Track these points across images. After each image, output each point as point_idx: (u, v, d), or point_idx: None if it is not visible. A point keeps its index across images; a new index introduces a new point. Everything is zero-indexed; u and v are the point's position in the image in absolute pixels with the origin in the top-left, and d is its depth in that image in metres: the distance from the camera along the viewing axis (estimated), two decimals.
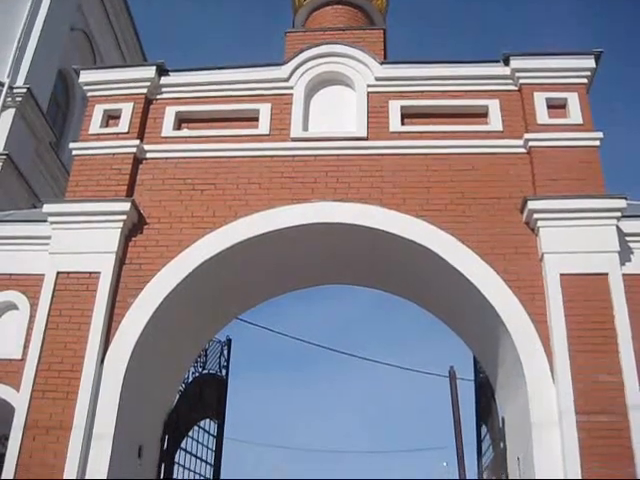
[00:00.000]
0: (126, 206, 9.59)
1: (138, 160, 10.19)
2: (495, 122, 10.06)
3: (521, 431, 8.82)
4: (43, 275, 9.46)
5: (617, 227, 9.04)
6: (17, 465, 8.41)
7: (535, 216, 9.12)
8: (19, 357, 9.10)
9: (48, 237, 9.67)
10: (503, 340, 9.00)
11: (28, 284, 9.56)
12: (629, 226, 9.17)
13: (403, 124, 10.19)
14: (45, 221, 9.76)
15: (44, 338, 9.04)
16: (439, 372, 19.75)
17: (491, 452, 10.70)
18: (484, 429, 11.39)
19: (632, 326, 8.55)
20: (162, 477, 10.32)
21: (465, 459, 17.44)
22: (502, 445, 9.85)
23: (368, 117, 10.19)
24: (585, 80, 10.18)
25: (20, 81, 16.10)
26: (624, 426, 8.08)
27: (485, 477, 11.63)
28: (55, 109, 18.69)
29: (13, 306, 9.50)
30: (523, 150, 9.77)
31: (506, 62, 10.31)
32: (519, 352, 8.61)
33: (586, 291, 8.74)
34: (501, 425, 9.92)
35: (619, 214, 9.07)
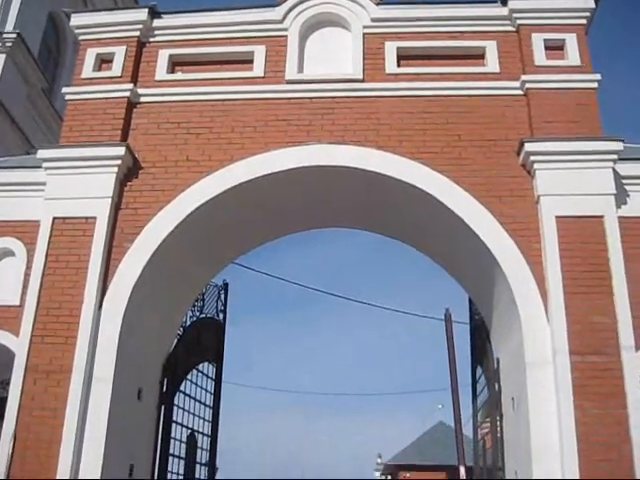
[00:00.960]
0: (121, 150, 9.54)
1: (132, 104, 10.09)
2: (492, 64, 9.95)
3: (515, 371, 8.95)
4: (39, 221, 9.46)
5: (613, 170, 9.02)
6: (19, 408, 8.54)
7: (531, 158, 9.09)
8: (17, 303, 9.16)
9: (43, 183, 9.64)
10: (498, 282, 9.07)
11: (24, 230, 9.57)
12: (626, 169, 9.16)
13: (399, 66, 10.07)
14: (40, 167, 9.71)
15: (42, 284, 9.09)
16: (435, 315, 19.86)
17: (486, 393, 10.86)
18: (479, 370, 11.55)
19: (627, 268, 8.62)
20: (162, 419, 10.48)
21: (461, 401, 17.72)
22: (497, 386, 10.00)
23: (364, 59, 10.07)
24: (584, 21, 10.05)
25: (9, 26, 15.88)
26: (617, 367, 8.21)
27: (480, 417, 11.83)
28: (46, 54, 18.46)
29: (10, 252, 9.52)
30: (520, 92, 9.69)
31: (504, 3, 10.15)
32: (514, 293, 8.69)
33: (581, 233, 8.78)
34: (496, 366, 10.06)
35: (615, 157, 9.05)
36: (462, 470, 17.01)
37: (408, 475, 35.80)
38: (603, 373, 8.19)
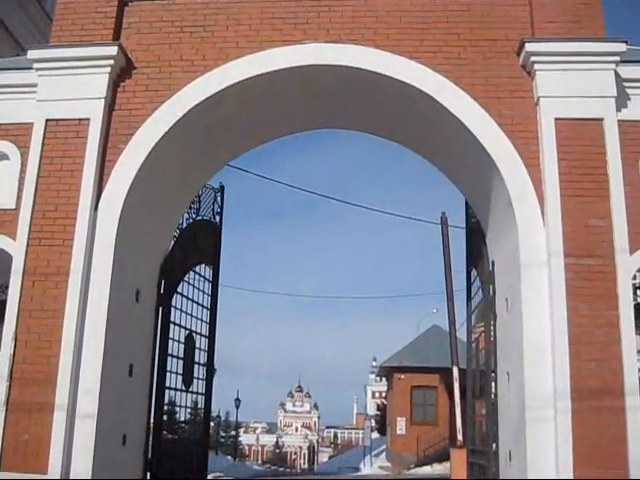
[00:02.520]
0: (113, 50, 9.34)
1: (123, 2, 9.79)
2: None
3: (510, 273, 9.05)
4: (32, 124, 9.34)
5: (615, 72, 8.86)
6: (19, 310, 8.66)
7: (532, 59, 8.93)
8: (13, 206, 9.14)
9: (35, 85, 9.47)
10: (495, 184, 9.06)
11: (17, 133, 9.46)
12: (628, 71, 8.99)
13: None
14: (31, 68, 9.52)
15: (37, 186, 9.07)
16: (432, 220, 19.96)
17: (480, 295, 11.02)
18: (474, 273, 11.68)
19: (624, 172, 8.60)
20: (160, 320, 10.65)
21: (455, 305, 18.03)
22: (491, 287, 10.14)
23: None
24: None
25: None
26: (610, 269, 8.30)
27: (474, 320, 12.04)
28: None
29: (4, 156, 9.43)
30: None
31: None
32: (511, 195, 8.70)
33: (580, 136, 8.72)
34: (491, 268, 10.17)
35: (618, 58, 8.88)
36: (455, 371, 17.42)
37: (402, 377, 36.56)
38: (597, 275, 8.29)
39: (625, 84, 8.98)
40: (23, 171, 9.23)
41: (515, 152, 8.79)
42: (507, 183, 8.73)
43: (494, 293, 10.06)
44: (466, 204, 11.85)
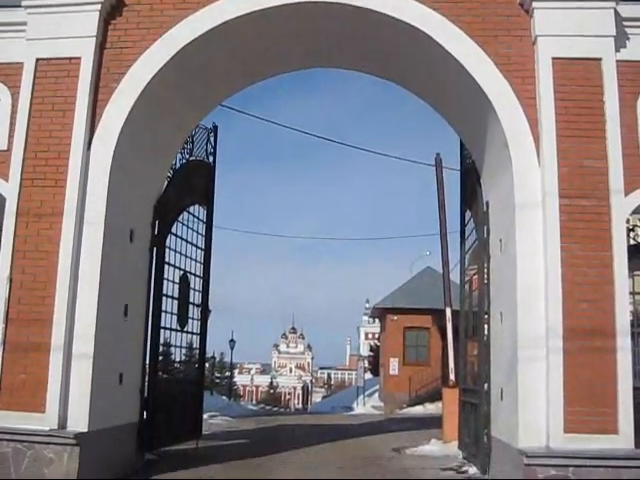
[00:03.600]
0: None
1: None
2: None
3: (504, 214, 9.08)
4: (22, 63, 9.22)
5: (615, 10, 8.73)
6: (13, 251, 8.68)
7: None
8: (5, 148, 9.07)
9: (24, 23, 9.30)
10: (491, 124, 9.02)
11: (7, 73, 9.33)
12: (628, 10, 8.84)
13: None
14: (20, 6, 9.32)
15: (28, 127, 9.00)
16: (428, 162, 19.83)
17: (474, 236, 11.07)
18: (468, 215, 11.71)
19: (621, 113, 8.55)
20: (155, 261, 10.69)
21: (449, 247, 18.06)
22: (485, 228, 10.17)
23: None
24: None
25: None
26: (605, 210, 8.33)
27: (467, 261, 12.12)
28: None
29: None
30: None
31: None
32: (506, 136, 8.67)
33: (578, 76, 8.64)
34: (485, 209, 10.19)
35: None
36: (448, 311, 17.52)
37: (395, 318, 36.80)
38: (591, 216, 8.33)
39: (625, 23, 8.84)
40: (14, 112, 9.14)
41: (511, 92, 8.73)
42: (503, 123, 8.69)
43: (488, 234, 10.10)
44: (461, 145, 11.81)
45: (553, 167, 8.40)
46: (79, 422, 8.39)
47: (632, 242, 10.04)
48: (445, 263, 18.07)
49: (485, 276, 10.27)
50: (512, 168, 8.63)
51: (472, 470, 10.17)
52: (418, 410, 31.26)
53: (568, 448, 7.78)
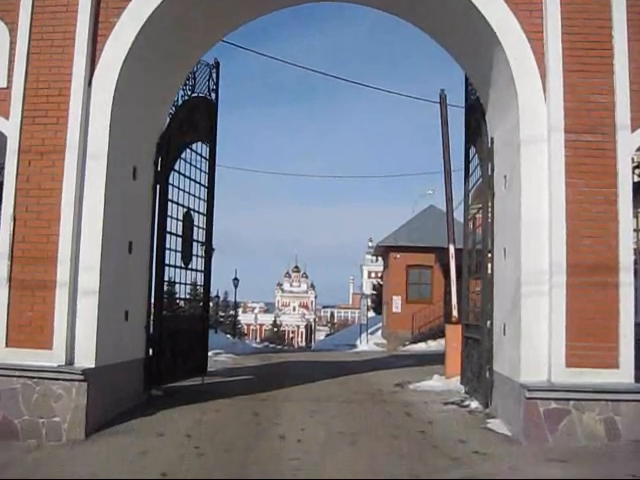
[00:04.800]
0: None
1: None
2: None
3: (509, 150, 9.03)
4: None
5: None
6: (16, 190, 8.67)
7: None
8: (4, 85, 8.95)
9: None
10: (497, 58, 8.89)
11: (4, 9, 9.12)
12: None
13: None
14: None
15: (28, 64, 8.88)
16: (433, 100, 19.63)
17: (478, 173, 11.03)
18: (472, 151, 11.66)
19: (630, 47, 8.40)
20: (158, 198, 10.69)
21: (452, 185, 17.99)
22: (490, 165, 10.14)
23: None
24: None
25: None
26: (610, 146, 8.28)
27: (471, 199, 12.09)
28: None
29: None
30: None
31: None
32: (512, 70, 8.55)
33: (586, 8, 8.50)
34: (490, 145, 10.14)
35: None
36: (451, 249, 17.57)
37: (398, 256, 36.96)
38: (596, 152, 8.29)
39: None
40: (13, 49, 9.00)
41: (518, 25, 8.58)
42: (509, 57, 8.56)
43: (492, 170, 10.07)
44: (466, 80, 11.69)
45: (559, 102, 8.32)
46: (86, 358, 8.50)
47: (637, 179, 10.01)
48: (449, 200, 18.04)
49: (489, 213, 10.28)
50: (518, 103, 8.55)
51: (474, 404, 10.32)
52: (420, 347, 31.69)
53: (569, 382, 7.91)
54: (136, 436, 8.28)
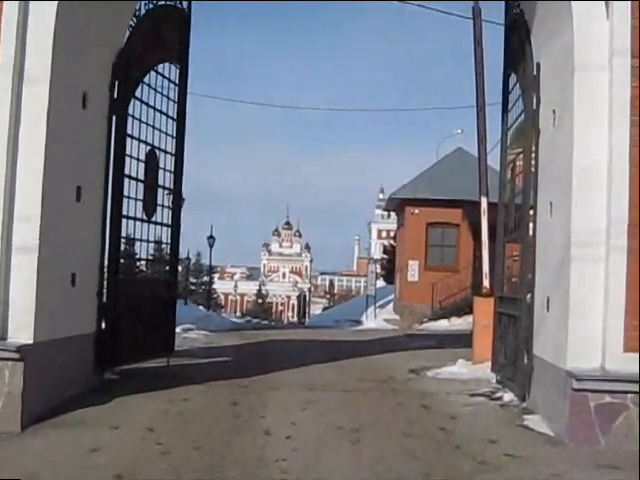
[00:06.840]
0: None
1: None
2: None
3: (560, 78, 9.00)
4: None
5: None
6: None
7: None
8: None
9: None
10: None
11: None
12: None
13: None
14: None
15: None
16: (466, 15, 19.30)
17: (520, 107, 10.97)
18: (513, 79, 11.59)
19: None
20: (114, 132, 10.63)
21: (487, 123, 17.85)
22: (535, 96, 10.07)
23: None
24: None
25: None
26: None
27: (510, 139, 12.04)
28: None
29: None
30: None
31: None
32: None
33: None
34: (535, 72, 10.07)
35: None
36: (484, 202, 17.39)
37: (416, 211, 36.72)
38: None
39: None
40: None
41: None
42: None
43: (538, 104, 10.01)
44: None
45: (625, 19, 8.23)
46: (23, 332, 8.49)
47: None
48: (481, 141, 17.89)
49: (532, 158, 10.25)
50: (572, 20, 8.48)
51: (508, 396, 10.41)
52: (442, 325, 31.87)
53: (628, 370, 7.92)
54: (85, 429, 8.35)
